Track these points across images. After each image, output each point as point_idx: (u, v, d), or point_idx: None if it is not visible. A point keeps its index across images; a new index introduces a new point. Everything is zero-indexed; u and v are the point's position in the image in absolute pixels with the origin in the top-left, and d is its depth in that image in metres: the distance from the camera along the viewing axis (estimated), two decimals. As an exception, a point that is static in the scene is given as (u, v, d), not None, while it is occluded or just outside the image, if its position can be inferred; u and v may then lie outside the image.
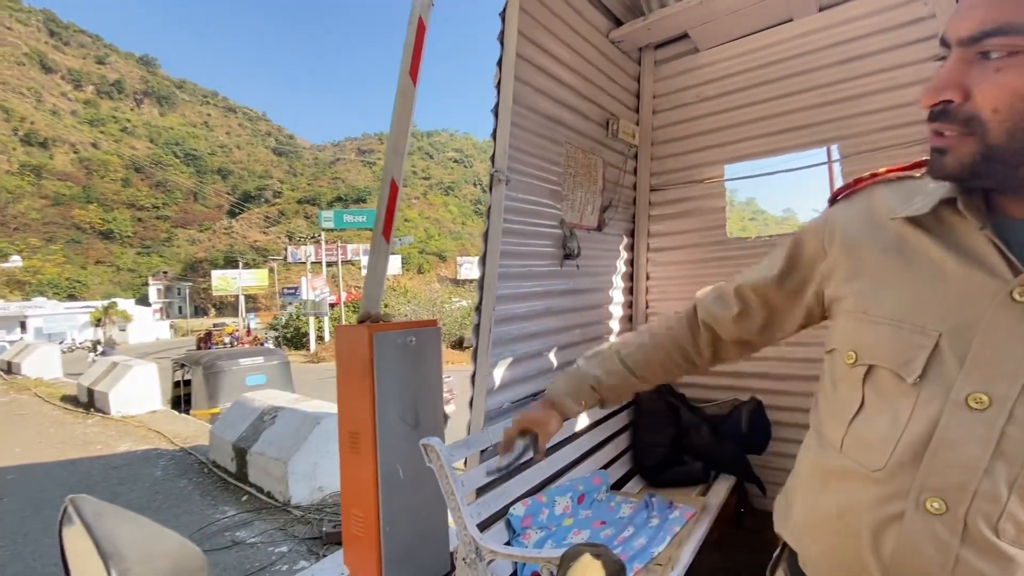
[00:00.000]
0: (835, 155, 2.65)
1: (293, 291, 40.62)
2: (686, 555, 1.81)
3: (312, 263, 35.07)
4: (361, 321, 2.38)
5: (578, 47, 2.43)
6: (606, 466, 2.45)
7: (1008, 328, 0.54)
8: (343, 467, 2.37)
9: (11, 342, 15.61)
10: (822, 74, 2.56)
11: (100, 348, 27.09)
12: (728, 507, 2.50)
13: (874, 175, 0.73)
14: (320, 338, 28.69)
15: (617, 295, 2.98)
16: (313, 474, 3.92)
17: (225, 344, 25.74)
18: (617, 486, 2.46)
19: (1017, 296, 0.53)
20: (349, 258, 37.76)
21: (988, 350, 0.54)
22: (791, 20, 2.59)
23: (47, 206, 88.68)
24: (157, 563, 0.39)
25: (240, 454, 4.33)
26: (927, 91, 0.57)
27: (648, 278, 3.11)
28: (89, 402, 7.84)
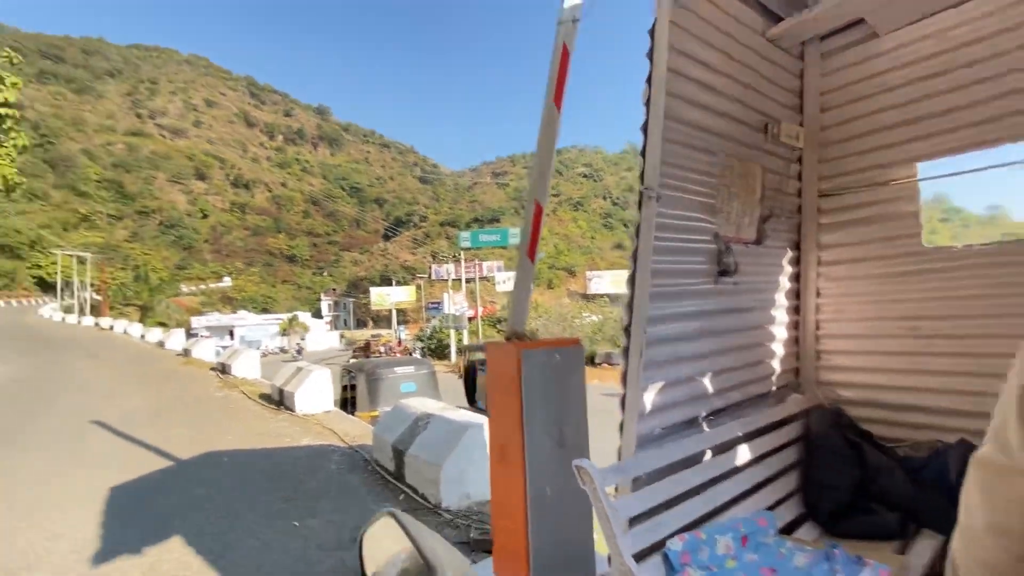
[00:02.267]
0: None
1: (436, 306, 43.97)
2: (885, 624, 1.54)
3: (452, 280, 37.61)
4: (508, 339, 2.47)
5: (732, 51, 2.28)
6: (772, 507, 2.20)
7: None
8: (494, 478, 2.46)
9: (224, 347, 19.24)
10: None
11: (298, 347, 31.84)
12: (935, 571, 2.08)
13: None
14: (460, 350, 30.52)
15: (781, 314, 2.70)
16: (461, 480, 4.15)
17: (381, 353, 28.69)
18: (786, 531, 2.19)
19: None
20: (484, 274, 39.79)
21: None
22: (1006, -15, 2.15)
23: (248, 236, 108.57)
24: (459, 573, 0.45)
25: (398, 455, 4.76)
26: None
27: (819, 295, 2.75)
28: (280, 400, 9.27)
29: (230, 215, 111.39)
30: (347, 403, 9.79)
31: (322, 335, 57.09)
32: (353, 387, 9.62)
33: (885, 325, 2.53)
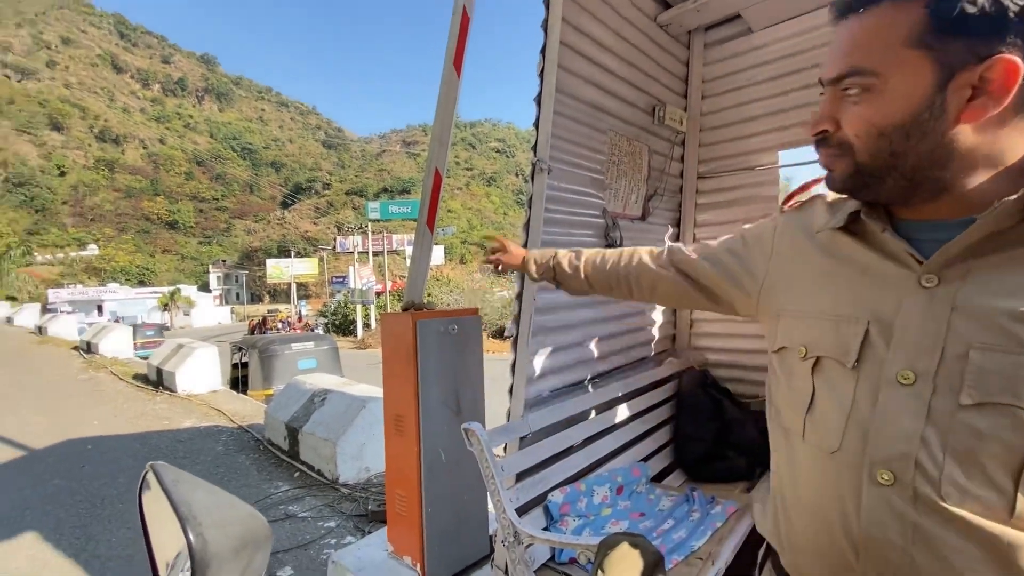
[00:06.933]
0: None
1: (341, 280, 41.98)
2: (727, 551, 1.78)
3: (359, 253, 36.09)
4: (405, 309, 2.44)
5: (624, 32, 2.38)
6: (646, 459, 2.43)
7: (921, 310, 0.61)
8: (388, 449, 2.46)
9: (90, 324, 16.97)
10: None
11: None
12: (774, 505, 2.43)
13: (808, 190, 0.89)
14: (367, 325, 29.58)
15: (661, 286, 2.93)
16: (360, 455, 4.09)
17: (279, 329, 26.99)
18: (657, 479, 2.44)
19: (924, 283, 0.61)
20: (394, 248, 38.62)
21: (907, 331, 0.62)
22: (854, -5, 2.44)
23: (120, 198, 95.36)
24: (229, 529, 0.42)
25: (292, 433, 4.56)
26: (810, 123, 0.69)
27: (694, 269, 3.03)
28: (158, 381, 8.44)
29: (95, 173, 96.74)
30: (238, 382, 9.15)
31: (211, 310, 52.34)
32: (245, 364, 8.99)
33: (747, 296, 2.85)
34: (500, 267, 1.55)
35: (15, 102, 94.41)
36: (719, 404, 2.57)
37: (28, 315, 18.76)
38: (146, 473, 0.46)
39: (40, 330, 15.95)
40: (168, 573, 0.40)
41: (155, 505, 0.44)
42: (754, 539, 1.97)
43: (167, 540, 0.42)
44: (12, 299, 34.53)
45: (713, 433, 2.49)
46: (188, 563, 0.39)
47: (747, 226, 0.97)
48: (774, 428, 0.81)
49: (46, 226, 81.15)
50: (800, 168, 2.99)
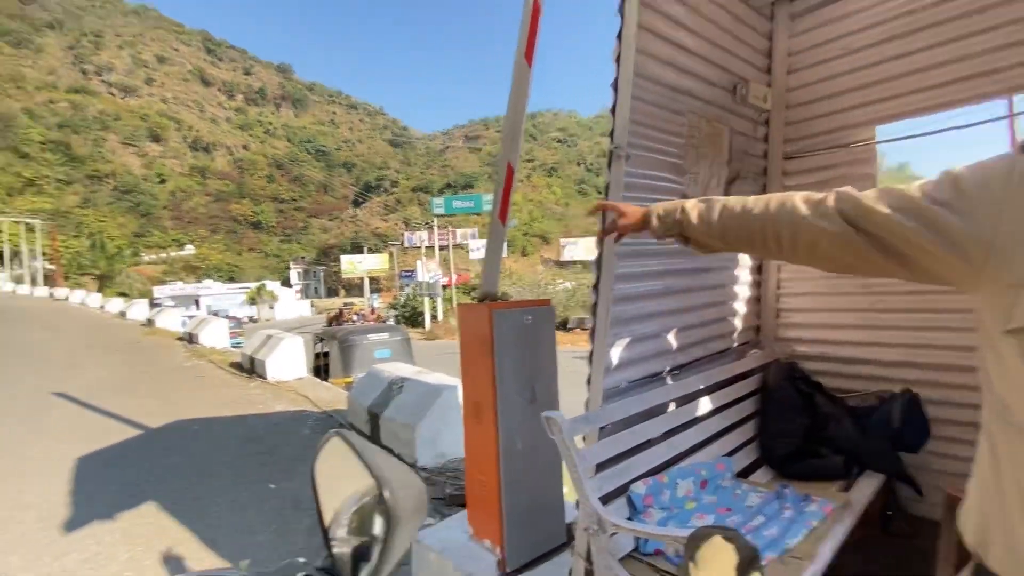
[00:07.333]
0: (1020, 107, 2.21)
1: (410, 274, 43.50)
2: (826, 551, 1.68)
3: (426, 247, 37.18)
4: (481, 300, 2.50)
5: (703, 9, 2.27)
6: (730, 453, 2.34)
7: None
8: (467, 435, 2.53)
9: (190, 317, 18.75)
10: (1006, 10, 2.13)
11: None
12: (874, 507, 2.26)
13: None
14: (434, 317, 30.49)
15: (744, 274, 2.79)
16: (435, 440, 4.24)
17: (353, 321, 28.43)
18: (743, 474, 2.34)
19: None
20: (459, 242, 39.46)
21: None
22: (970, -54, 2.18)
23: (211, 202, 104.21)
24: (409, 490, 0.46)
25: (374, 418, 4.81)
26: None
27: (780, 255, 2.86)
28: (251, 368, 9.17)
29: (190, 179, 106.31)
30: (320, 370, 9.75)
31: (292, 304, 56.12)
32: (326, 354, 9.57)
33: (841, 283, 2.65)
34: (621, 236, 1.39)
35: (120, 118, 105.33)
36: (810, 399, 2.42)
37: (138, 310, 20.93)
38: (329, 438, 0.50)
39: (149, 323, 17.78)
40: (331, 528, 0.44)
41: (329, 466, 0.48)
42: (855, 540, 1.85)
43: (332, 498, 0.46)
44: (124, 295, 38.85)
45: (803, 429, 2.36)
46: (346, 519, 0.43)
47: (956, 168, 0.72)
48: (1001, 425, 0.68)
49: (150, 229, 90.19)
50: (899, 144, 2.74)
